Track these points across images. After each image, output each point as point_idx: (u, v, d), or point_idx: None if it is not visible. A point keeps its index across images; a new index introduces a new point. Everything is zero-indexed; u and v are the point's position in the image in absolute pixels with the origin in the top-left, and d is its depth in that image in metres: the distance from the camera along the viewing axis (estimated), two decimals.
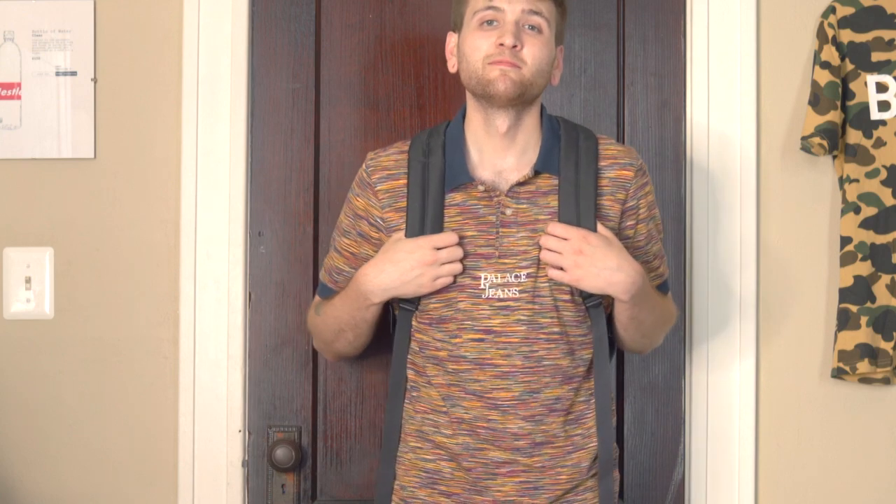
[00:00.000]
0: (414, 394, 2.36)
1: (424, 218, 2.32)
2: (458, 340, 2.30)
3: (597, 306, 2.33)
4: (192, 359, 2.75)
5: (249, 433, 2.77)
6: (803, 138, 2.69)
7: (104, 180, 2.79)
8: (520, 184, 2.32)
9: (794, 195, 2.75)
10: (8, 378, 2.78)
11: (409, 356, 2.37)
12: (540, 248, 2.29)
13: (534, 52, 2.28)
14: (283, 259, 2.79)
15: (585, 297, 2.32)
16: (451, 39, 2.39)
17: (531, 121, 2.35)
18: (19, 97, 2.79)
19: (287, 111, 2.81)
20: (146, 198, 2.78)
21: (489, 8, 2.29)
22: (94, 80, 2.79)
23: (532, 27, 2.30)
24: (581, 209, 2.31)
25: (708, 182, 2.75)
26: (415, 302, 2.34)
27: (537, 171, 2.32)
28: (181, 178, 2.77)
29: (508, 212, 2.31)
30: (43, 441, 2.78)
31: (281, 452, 2.74)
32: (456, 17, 2.37)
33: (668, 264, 2.51)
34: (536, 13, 2.29)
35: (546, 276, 2.29)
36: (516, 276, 2.29)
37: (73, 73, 2.79)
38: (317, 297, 2.53)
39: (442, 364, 2.32)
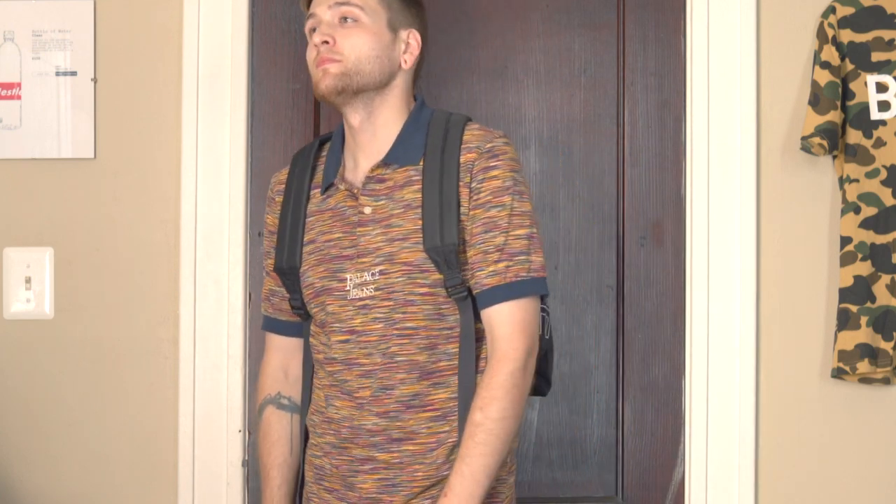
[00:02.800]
0: (311, 396, 2.39)
1: (296, 220, 2.37)
2: (329, 342, 2.32)
3: (464, 299, 2.29)
4: (192, 359, 2.75)
5: (249, 433, 2.77)
6: (803, 138, 2.69)
7: (104, 180, 2.79)
8: (378, 181, 2.32)
9: (794, 195, 2.75)
10: (8, 378, 2.78)
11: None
12: (391, 243, 2.29)
13: (350, 43, 2.30)
14: None
15: (448, 287, 2.28)
16: None
17: (389, 113, 2.35)
18: (19, 97, 2.79)
19: (287, 111, 2.81)
20: (146, 198, 2.78)
21: (309, 17, 2.35)
22: (94, 80, 2.79)
23: (348, 18, 2.32)
24: (444, 197, 2.29)
25: (708, 182, 2.75)
26: (304, 309, 2.38)
27: (387, 163, 2.32)
28: (181, 178, 2.77)
29: (367, 210, 2.31)
30: (43, 441, 2.77)
31: None
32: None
33: (535, 268, 2.28)
34: (345, 4, 2.31)
35: (399, 271, 2.28)
36: (372, 274, 2.29)
37: (73, 73, 2.78)
38: (266, 342, 2.49)
39: (321, 366, 2.34)
